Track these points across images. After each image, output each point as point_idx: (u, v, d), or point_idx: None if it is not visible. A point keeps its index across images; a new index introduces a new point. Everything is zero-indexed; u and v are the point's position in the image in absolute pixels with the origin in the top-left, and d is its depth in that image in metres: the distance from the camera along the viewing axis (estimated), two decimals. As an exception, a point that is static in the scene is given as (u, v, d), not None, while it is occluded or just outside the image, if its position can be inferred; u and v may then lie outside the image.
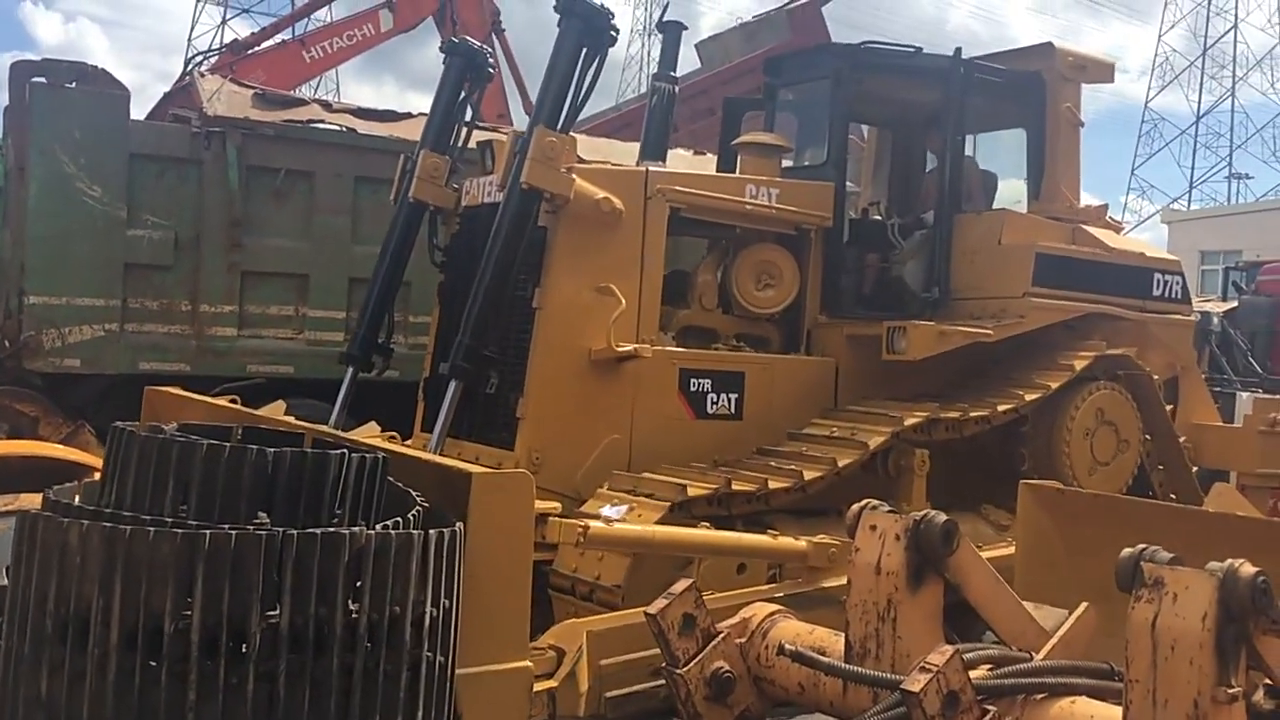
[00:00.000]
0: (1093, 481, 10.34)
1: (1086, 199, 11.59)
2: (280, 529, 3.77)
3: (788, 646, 4.73)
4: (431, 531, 4.05)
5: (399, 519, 4.25)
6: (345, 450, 4.37)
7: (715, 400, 9.87)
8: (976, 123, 11.55)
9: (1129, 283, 11.22)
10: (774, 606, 5.37)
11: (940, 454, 9.85)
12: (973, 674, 4.29)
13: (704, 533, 7.76)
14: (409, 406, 10.57)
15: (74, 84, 11.89)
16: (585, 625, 6.59)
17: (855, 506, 4.92)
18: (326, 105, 14.17)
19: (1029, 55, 11.59)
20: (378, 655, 3.85)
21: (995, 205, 11.71)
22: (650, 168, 10.04)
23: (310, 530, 3.79)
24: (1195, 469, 11.67)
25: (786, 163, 10.97)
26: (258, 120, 12.53)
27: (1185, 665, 3.85)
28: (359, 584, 3.81)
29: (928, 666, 4.12)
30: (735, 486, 8.69)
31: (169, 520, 3.90)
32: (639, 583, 7.68)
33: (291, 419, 7.52)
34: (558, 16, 8.98)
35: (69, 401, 11.82)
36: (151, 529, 3.70)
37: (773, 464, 9.28)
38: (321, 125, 13.11)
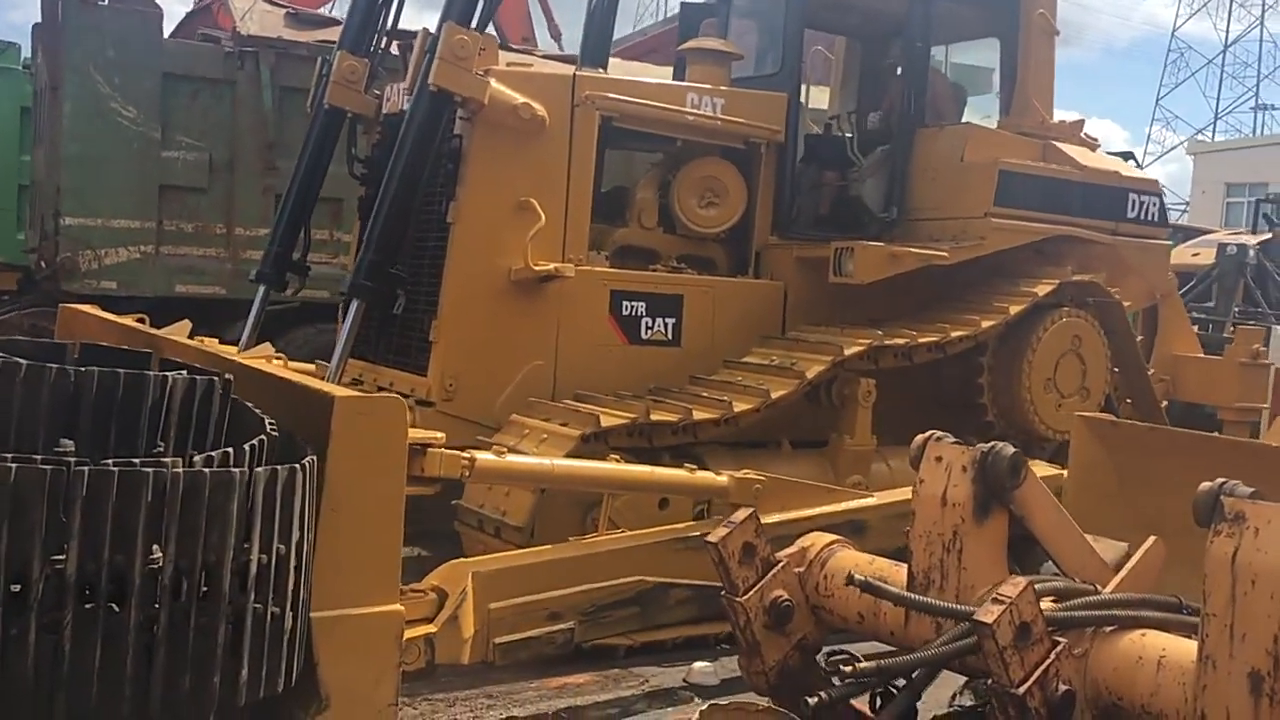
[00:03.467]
0: (1056, 416, 7.69)
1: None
2: (70, 462, 2.66)
3: (857, 576, 3.89)
4: (261, 470, 2.90)
5: (228, 451, 3.04)
6: (169, 372, 3.20)
7: (650, 325, 7.40)
8: (944, 31, 8.71)
9: (1101, 204, 8.37)
10: (832, 536, 4.35)
11: (891, 386, 7.32)
12: (1042, 605, 3.56)
13: (610, 466, 5.71)
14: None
15: (106, 1, 9.66)
16: (472, 565, 5.05)
17: (920, 437, 4.01)
18: None
19: None
20: (187, 607, 2.76)
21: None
22: (578, 72, 7.34)
23: (106, 466, 2.68)
24: (1165, 403, 8.96)
25: (740, 73, 8.19)
26: (291, 40, 10.17)
27: (1266, 600, 3.21)
28: (165, 528, 2.72)
29: (1000, 598, 3.43)
30: (655, 417, 6.53)
31: None
32: (547, 521, 5.96)
33: (194, 341, 5.59)
34: None
35: None
36: None
37: (704, 394, 6.98)
38: None
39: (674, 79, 8.50)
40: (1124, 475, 4.96)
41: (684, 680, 5.42)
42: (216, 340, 6.29)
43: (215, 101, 9.86)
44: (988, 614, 3.37)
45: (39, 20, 10.43)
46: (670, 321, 7.42)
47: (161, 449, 3.06)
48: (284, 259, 7.73)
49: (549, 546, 5.40)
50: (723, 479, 5.64)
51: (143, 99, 9.50)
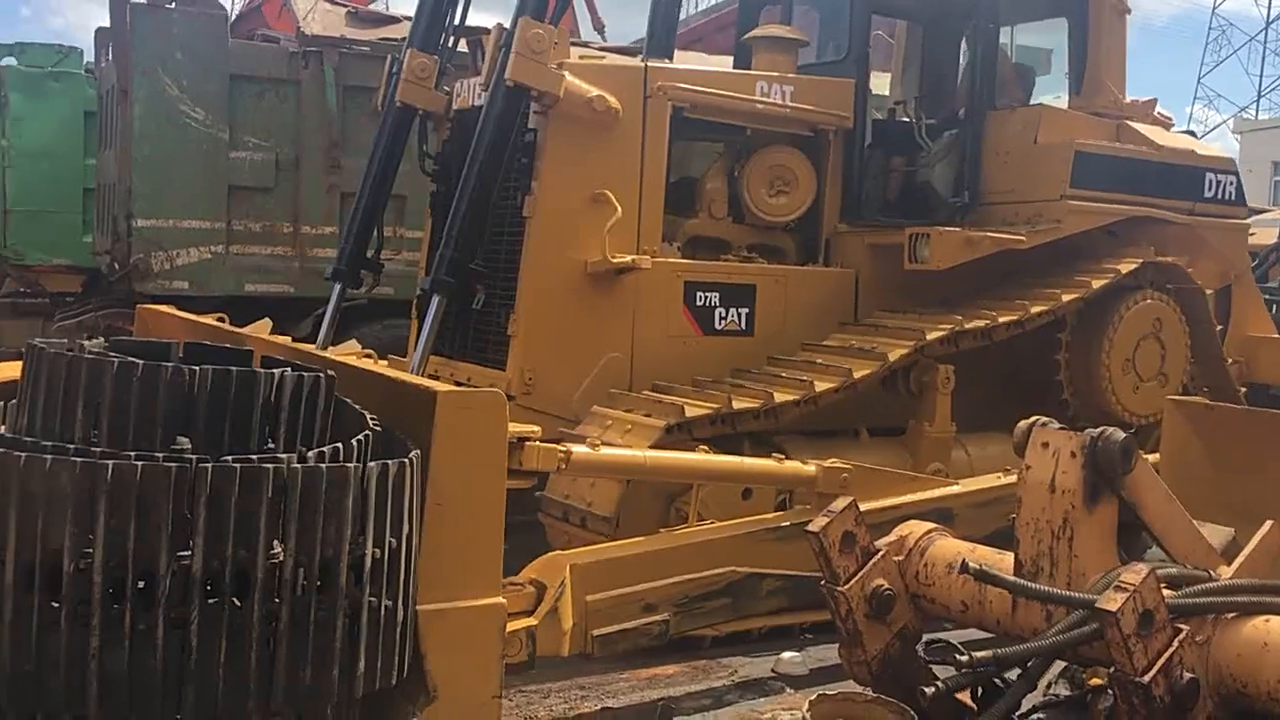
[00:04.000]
0: (1134, 399, 7.49)
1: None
2: (192, 460, 2.66)
3: (971, 565, 3.71)
4: (373, 464, 2.89)
5: (338, 446, 3.07)
6: (278, 369, 3.14)
7: (724, 315, 7.22)
8: (1013, 12, 8.49)
9: (1179, 184, 8.09)
10: (930, 525, 4.19)
11: (966, 371, 7.10)
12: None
13: (700, 457, 5.60)
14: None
15: (173, 5, 9.65)
16: (569, 558, 4.92)
17: (1024, 423, 3.86)
18: None
19: None
20: (307, 602, 2.75)
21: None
22: (650, 63, 7.19)
23: (227, 463, 2.69)
24: (1244, 389, 8.65)
25: (802, 60, 7.97)
26: (353, 39, 10.08)
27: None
28: (285, 523, 2.71)
29: (1123, 585, 3.27)
30: (737, 405, 6.34)
31: (71, 448, 2.80)
32: (632, 511, 5.87)
33: (276, 338, 5.61)
34: None
35: None
36: (49, 457, 2.65)
37: (783, 375, 6.81)
38: None
39: (735, 68, 8.33)
40: (1218, 459, 4.80)
41: (773, 670, 5.34)
42: (289, 339, 6.23)
43: (280, 102, 9.81)
44: (1111, 601, 3.25)
45: (101, 25, 10.46)
46: (744, 312, 7.26)
47: (273, 446, 3.03)
48: (358, 257, 7.64)
49: (642, 538, 5.30)
50: (811, 469, 5.51)
51: (210, 100, 9.47)
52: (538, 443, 4.75)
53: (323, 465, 2.84)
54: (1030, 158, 7.74)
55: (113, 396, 2.90)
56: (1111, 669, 3.33)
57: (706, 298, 7.14)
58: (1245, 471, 4.51)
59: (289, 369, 3.16)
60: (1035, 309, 7.22)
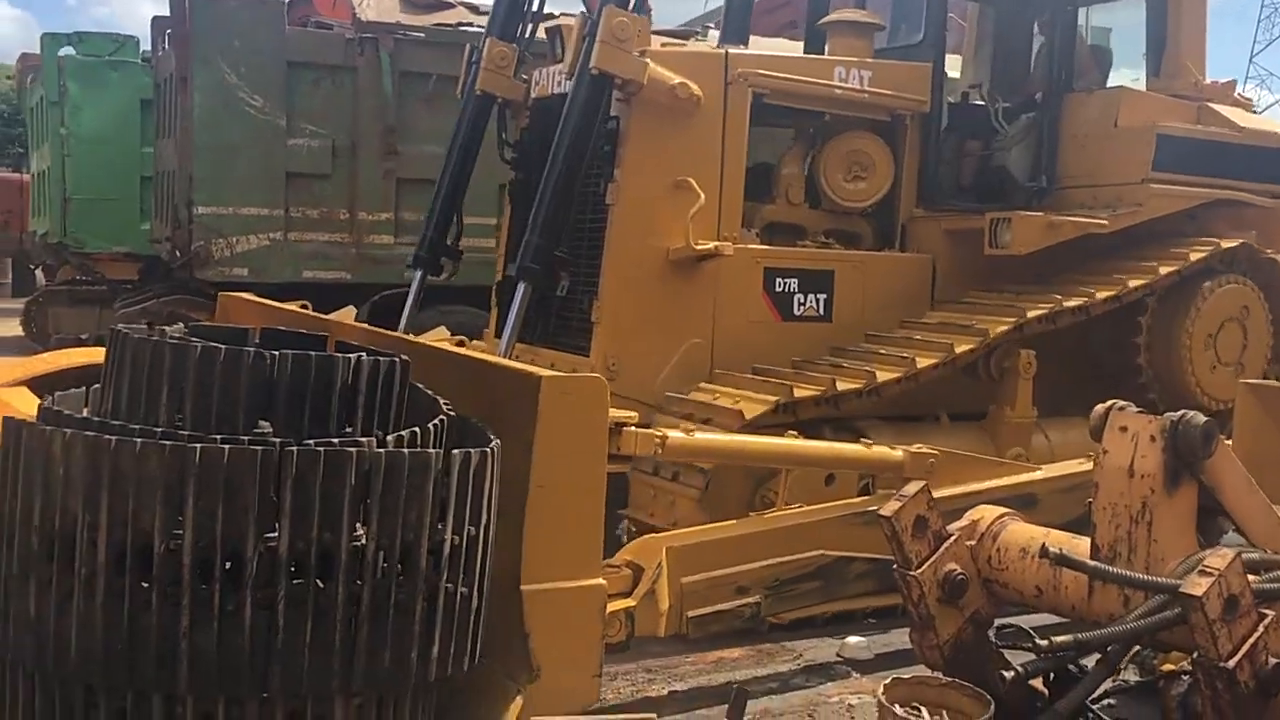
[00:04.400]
0: (1213, 382, 7.32)
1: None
2: (278, 443, 2.66)
3: (1052, 549, 3.63)
4: (456, 452, 2.85)
5: (415, 430, 3.02)
6: (355, 354, 3.09)
7: (802, 301, 7.13)
8: (1087, -7, 8.29)
9: (1263, 166, 7.83)
10: (1002, 509, 4.09)
11: (1047, 356, 6.97)
12: (1248, 578, 3.37)
13: (793, 443, 5.56)
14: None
15: None
16: (665, 541, 4.97)
17: (1101, 407, 3.76)
18: (473, 7, 10.84)
19: None
20: (388, 585, 2.74)
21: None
22: (730, 50, 7.11)
23: (311, 446, 2.68)
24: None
25: (878, 43, 7.86)
26: (408, 25, 9.96)
27: None
28: (368, 506, 2.69)
29: (1208, 570, 3.21)
30: (841, 386, 6.35)
31: (158, 431, 2.80)
32: (721, 494, 5.93)
33: (361, 325, 5.79)
34: None
35: None
36: (139, 440, 2.65)
37: (882, 352, 6.77)
38: (470, 28, 10.06)
39: (806, 52, 8.22)
40: None
41: (838, 655, 5.23)
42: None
43: (336, 88, 9.79)
44: (1196, 586, 3.17)
45: (156, 14, 10.55)
46: (822, 297, 7.16)
47: (350, 430, 2.99)
48: (439, 244, 7.60)
49: (734, 522, 5.30)
50: (898, 454, 5.44)
51: (268, 88, 9.45)
52: (636, 428, 4.81)
53: (405, 450, 2.82)
54: (1110, 141, 7.56)
55: (196, 381, 2.90)
56: (1194, 654, 3.26)
57: (785, 284, 7.06)
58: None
59: (364, 354, 3.12)
60: (1134, 283, 7.09)
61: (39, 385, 4.72)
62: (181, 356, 2.90)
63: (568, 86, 6.68)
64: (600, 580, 3.76)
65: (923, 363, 6.50)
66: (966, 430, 6.88)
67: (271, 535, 2.61)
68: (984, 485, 5.37)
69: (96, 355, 4.32)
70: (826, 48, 7.78)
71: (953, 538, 3.94)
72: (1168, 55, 8.14)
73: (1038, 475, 5.63)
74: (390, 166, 9.82)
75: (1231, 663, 3.19)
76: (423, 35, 9.84)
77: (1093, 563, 3.63)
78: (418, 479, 2.75)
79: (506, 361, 4.53)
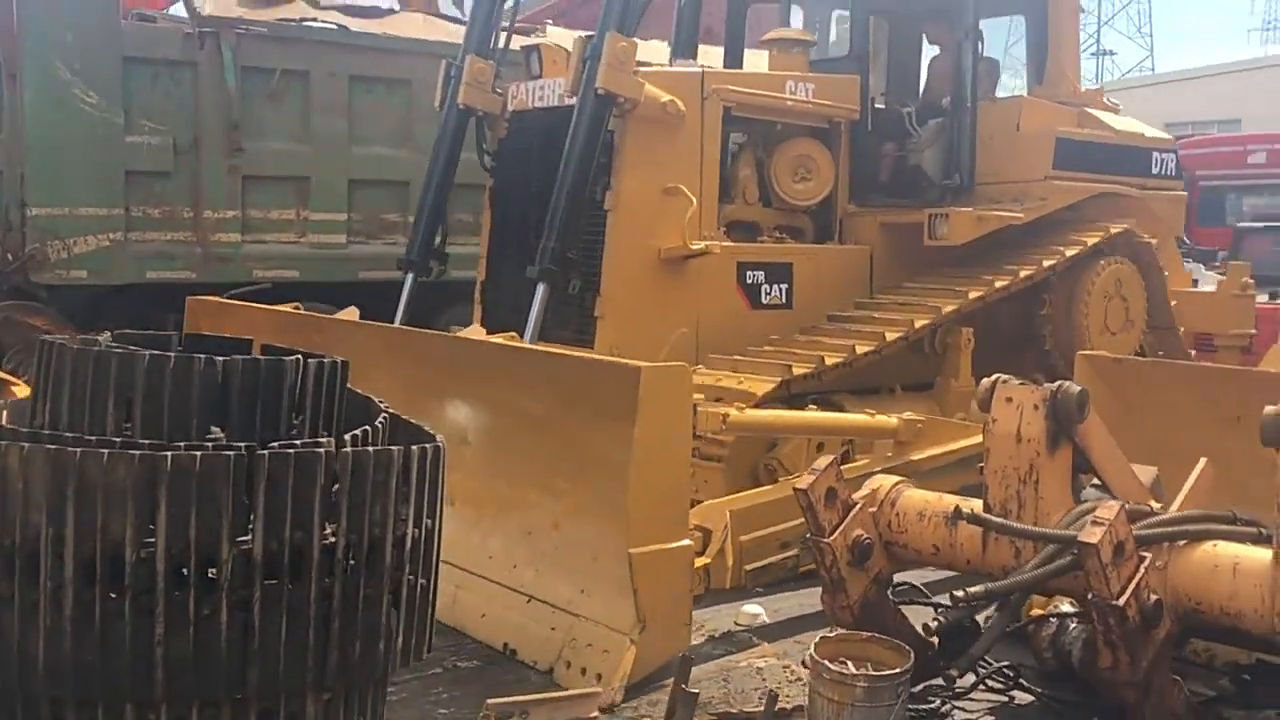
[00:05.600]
0: (1105, 346, 6.81)
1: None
2: (246, 446, 2.23)
3: (965, 511, 3.35)
4: (414, 448, 2.44)
5: (366, 429, 2.59)
6: (300, 356, 2.66)
7: (769, 291, 6.67)
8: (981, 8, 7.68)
9: (1133, 163, 7.51)
10: (897, 478, 3.84)
11: (980, 333, 6.64)
12: (1126, 526, 3.14)
13: (822, 415, 5.55)
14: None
15: None
16: (727, 505, 4.83)
17: (986, 381, 3.54)
18: (313, 2, 8.53)
19: None
20: (357, 580, 2.33)
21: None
22: (706, 69, 6.73)
23: (283, 449, 2.26)
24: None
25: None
26: (250, 20, 7.84)
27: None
28: (335, 505, 2.28)
29: (1099, 520, 3.01)
30: (829, 360, 6.02)
31: (117, 440, 2.33)
32: (735, 461, 5.63)
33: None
34: None
35: (73, 311, 7.56)
36: (105, 451, 2.17)
37: (851, 329, 6.41)
38: (314, 23, 8.22)
39: (724, 64, 7.66)
40: (1130, 407, 4.38)
41: (735, 623, 4.41)
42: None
43: (176, 84, 7.53)
44: (1091, 535, 3.00)
45: None
46: (784, 287, 6.71)
47: (296, 433, 2.60)
48: (427, 246, 6.98)
49: (774, 485, 5.17)
50: (893, 421, 5.23)
51: (104, 84, 7.24)
52: (706, 408, 4.72)
53: (370, 449, 2.45)
54: (1014, 143, 7.12)
55: (145, 389, 2.46)
56: (1089, 595, 3.02)
57: (754, 276, 6.61)
58: (1154, 417, 4.23)
59: (300, 356, 2.67)
60: (1046, 263, 6.77)
61: None
62: (128, 365, 2.47)
63: (555, 101, 6.32)
64: (689, 541, 3.64)
65: (891, 335, 6.12)
66: (918, 399, 6.48)
67: (244, 539, 2.24)
68: (956, 445, 5.11)
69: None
70: (769, 62, 7.31)
71: (858, 506, 3.62)
72: (1050, 66, 7.64)
73: None
74: (235, 163, 7.68)
75: (1121, 600, 2.97)
76: (265, 30, 7.83)
77: (1004, 521, 3.35)
78: (382, 476, 2.39)
79: (605, 357, 4.53)
